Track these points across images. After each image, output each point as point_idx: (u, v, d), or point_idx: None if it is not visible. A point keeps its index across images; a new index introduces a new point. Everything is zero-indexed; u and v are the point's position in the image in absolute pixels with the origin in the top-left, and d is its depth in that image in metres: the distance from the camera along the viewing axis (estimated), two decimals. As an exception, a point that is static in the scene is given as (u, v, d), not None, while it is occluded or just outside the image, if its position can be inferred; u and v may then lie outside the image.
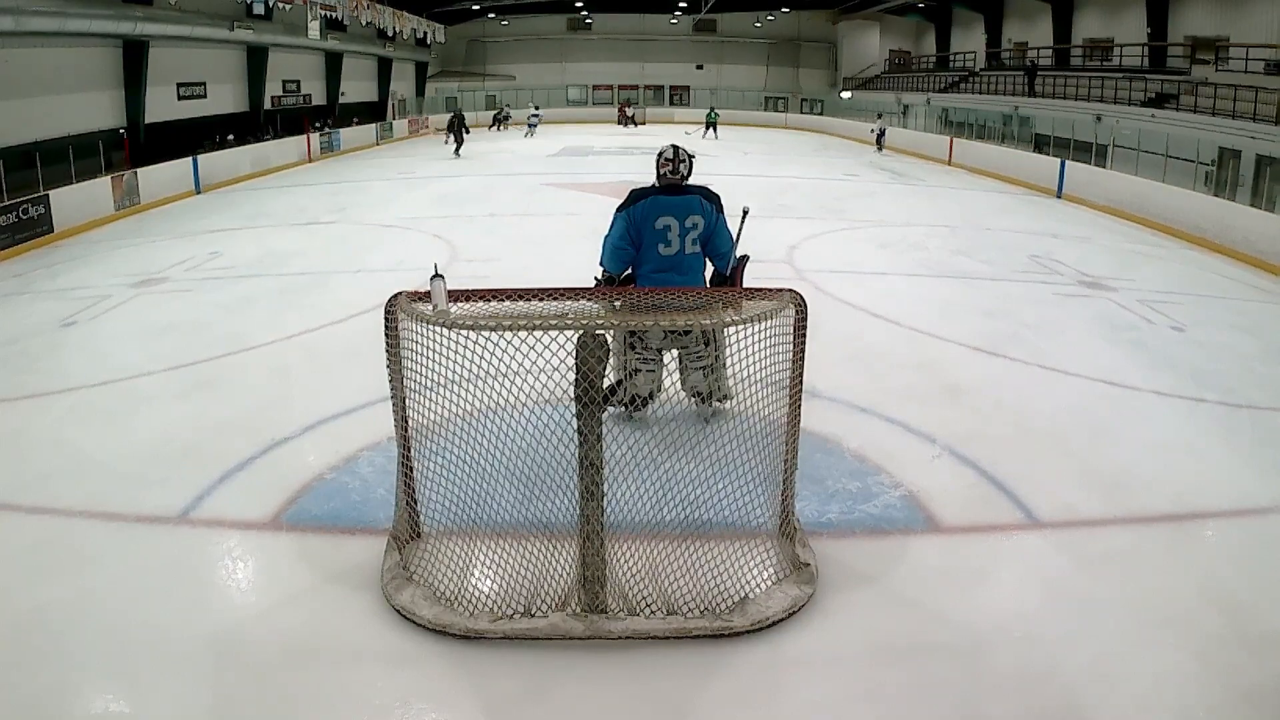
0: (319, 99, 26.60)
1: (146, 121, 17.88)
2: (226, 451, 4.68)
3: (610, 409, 4.24)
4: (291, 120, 24.34)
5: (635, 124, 33.38)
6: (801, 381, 3.54)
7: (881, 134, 24.60)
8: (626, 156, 21.10)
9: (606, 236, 4.63)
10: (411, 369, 3.35)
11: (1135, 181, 14.03)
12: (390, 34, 27.88)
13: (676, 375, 4.85)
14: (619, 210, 4.60)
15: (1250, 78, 16.10)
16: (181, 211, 14.00)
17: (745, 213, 4.78)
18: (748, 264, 4.79)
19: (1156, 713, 2.91)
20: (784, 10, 36.81)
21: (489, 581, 3.45)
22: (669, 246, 4.52)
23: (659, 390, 4.77)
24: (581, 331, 3.05)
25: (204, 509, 4.14)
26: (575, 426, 3.13)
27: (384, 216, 12.78)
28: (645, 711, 2.90)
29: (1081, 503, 4.26)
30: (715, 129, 27.81)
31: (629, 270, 4.63)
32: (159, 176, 14.86)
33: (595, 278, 4.74)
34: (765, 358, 3.40)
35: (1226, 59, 17.57)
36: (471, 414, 3.25)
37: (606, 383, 3.24)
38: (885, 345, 6.65)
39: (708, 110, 29.21)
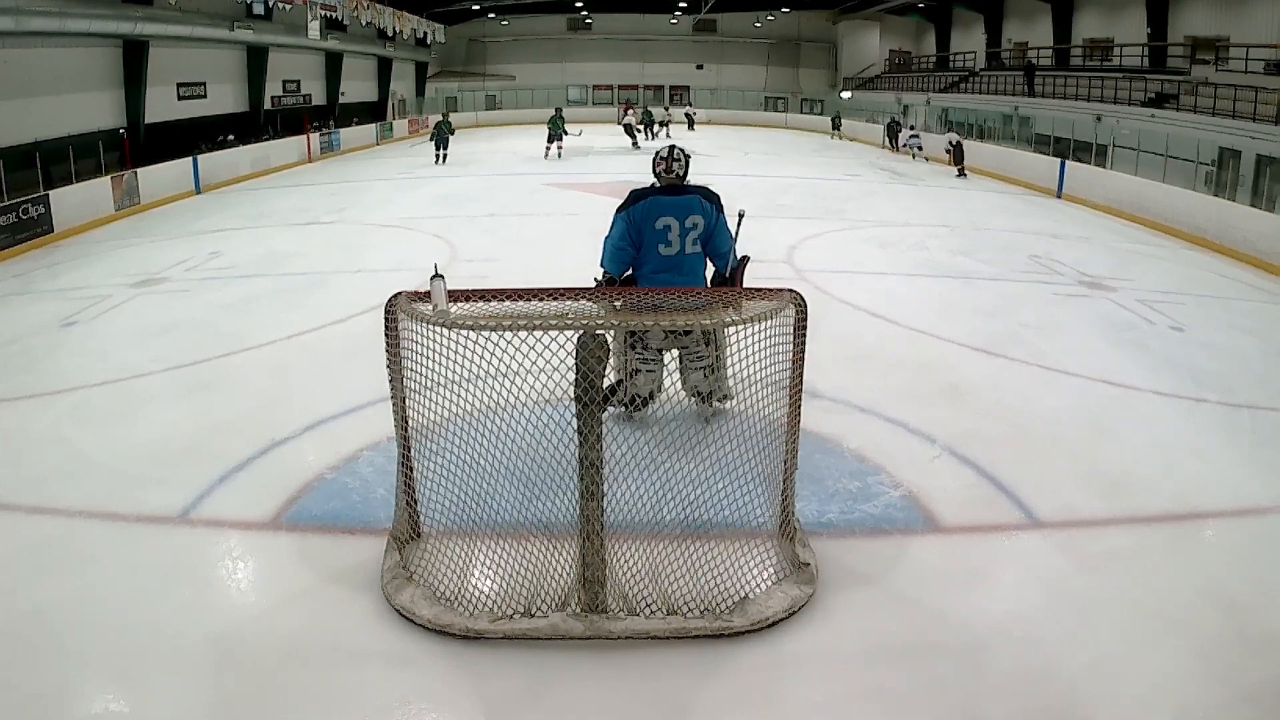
0: (319, 99, 26.58)
1: (146, 121, 17.87)
2: (226, 452, 4.68)
3: (610, 409, 4.25)
4: (291, 120, 24.32)
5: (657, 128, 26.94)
6: (801, 381, 3.54)
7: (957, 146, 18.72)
8: (626, 156, 21.09)
9: (606, 237, 4.62)
10: (411, 369, 3.35)
11: (1135, 181, 14.03)
12: (390, 34, 27.87)
13: (677, 375, 4.85)
14: (619, 211, 4.58)
15: (1250, 78, 16.09)
16: (181, 211, 14.00)
17: (741, 216, 4.77)
18: (748, 264, 4.79)
19: (1156, 713, 2.91)
20: (784, 10, 36.78)
21: (489, 581, 3.45)
22: (669, 247, 4.51)
23: (659, 390, 4.77)
24: (581, 331, 3.05)
25: (204, 509, 4.14)
26: (575, 426, 3.13)
27: (384, 216, 12.77)
28: (645, 711, 2.90)
29: (1081, 503, 4.26)
30: (693, 124, 31.10)
31: (629, 271, 4.63)
32: (159, 176, 14.87)
33: (595, 279, 4.73)
34: (765, 358, 3.40)
35: (1226, 59, 17.56)
36: (471, 414, 3.25)
37: (606, 383, 3.25)
38: (885, 345, 6.65)
39: (686, 108, 33.09)
